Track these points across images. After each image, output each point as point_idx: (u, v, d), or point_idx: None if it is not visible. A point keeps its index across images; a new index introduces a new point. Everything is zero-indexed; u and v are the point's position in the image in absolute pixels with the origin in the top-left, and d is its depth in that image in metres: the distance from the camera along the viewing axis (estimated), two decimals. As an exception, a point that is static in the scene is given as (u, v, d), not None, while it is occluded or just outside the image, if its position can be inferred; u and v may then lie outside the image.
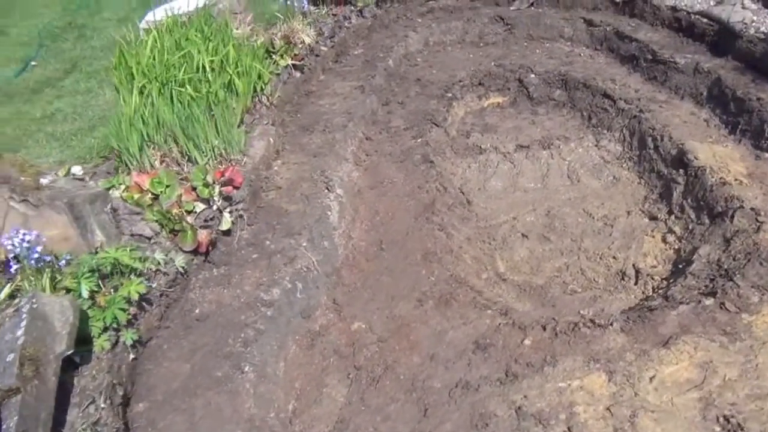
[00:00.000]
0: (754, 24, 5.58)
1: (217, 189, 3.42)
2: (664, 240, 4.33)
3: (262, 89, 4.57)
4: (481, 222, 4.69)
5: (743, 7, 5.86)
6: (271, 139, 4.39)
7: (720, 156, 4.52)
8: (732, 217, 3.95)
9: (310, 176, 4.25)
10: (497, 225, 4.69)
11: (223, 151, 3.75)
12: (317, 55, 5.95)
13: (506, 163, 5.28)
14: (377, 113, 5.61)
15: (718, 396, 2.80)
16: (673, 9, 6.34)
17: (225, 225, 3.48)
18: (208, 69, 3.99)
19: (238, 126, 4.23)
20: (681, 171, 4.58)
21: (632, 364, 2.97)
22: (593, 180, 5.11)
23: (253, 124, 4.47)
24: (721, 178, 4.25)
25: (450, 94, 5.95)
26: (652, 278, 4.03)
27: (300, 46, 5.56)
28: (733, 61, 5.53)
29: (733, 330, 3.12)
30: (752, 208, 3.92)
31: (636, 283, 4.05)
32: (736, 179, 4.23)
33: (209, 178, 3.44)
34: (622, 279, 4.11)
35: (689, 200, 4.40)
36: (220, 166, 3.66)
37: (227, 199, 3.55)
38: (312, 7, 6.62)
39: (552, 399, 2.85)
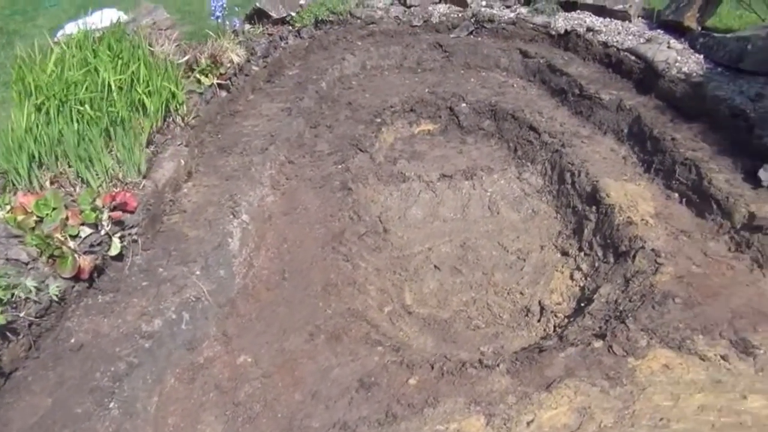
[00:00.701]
0: (677, 64, 5.70)
1: (105, 213, 3.32)
2: (571, 277, 4.35)
3: (176, 109, 4.48)
4: (395, 252, 4.66)
5: (668, 47, 5.99)
6: (182, 161, 4.30)
7: (631, 194, 4.57)
8: (634, 257, 3.99)
9: (218, 200, 4.18)
10: (411, 255, 4.66)
11: (120, 174, 3.65)
12: (247, 75, 5.89)
13: (428, 192, 5.26)
14: (304, 136, 5.56)
15: (591, 443, 2.80)
16: (605, 45, 6.45)
17: (114, 250, 3.38)
18: (114, 87, 3.89)
19: (147, 147, 4.13)
20: (593, 208, 4.62)
21: (512, 408, 2.95)
22: (512, 212, 5.12)
23: (165, 145, 4.37)
24: (628, 217, 4.29)
25: (379, 120, 5.93)
26: (556, 315, 4.04)
27: (228, 65, 5.49)
28: (656, 99, 5.63)
29: (617, 374, 3.12)
30: (653, 249, 3.96)
31: (539, 320, 4.06)
32: (642, 219, 4.27)
33: (98, 202, 3.33)
34: (526, 315, 4.11)
35: (598, 238, 4.44)
36: (114, 189, 3.56)
37: (119, 223, 3.44)
38: (248, 26, 6.55)
39: (427, 442, 2.81)
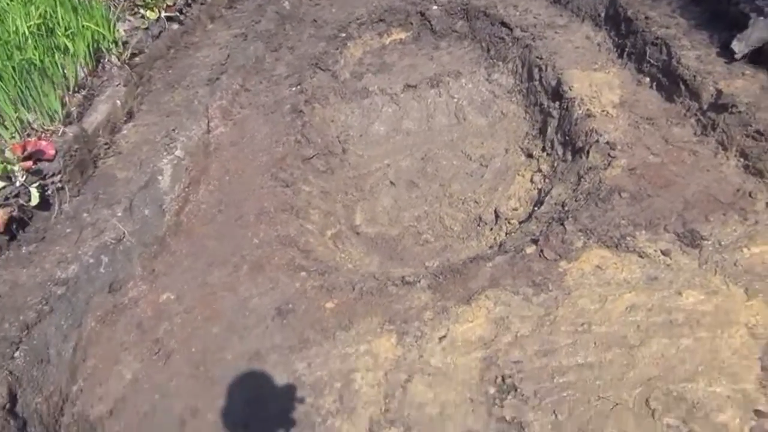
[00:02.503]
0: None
1: (17, 164, 3.28)
2: (531, 180, 4.09)
3: (109, 48, 4.34)
4: (351, 172, 4.49)
5: None
6: (119, 102, 4.20)
7: (597, 84, 4.20)
8: (587, 152, 3.69)
9: (155, 138, 4.09)
10: (368, 174, 4.49)
11: (35, 123, 3.59)
12: (203, 3, 5.67)
13: (392, 105, 5.01)
14: (264, 61, 5.35)
15: (504, 354, 2.65)
16: None
17: (34, 200, 3.35)
18: (27, 33, 3.78)
19: (78, 91, 4.06)
20: (557, 103, 4.29)
21: (427, 324, 2.83)
22: (480, 117, 4.83)
23: (102, 87, 4.28)
24: (587, 110, 3.95)
25: (344, 34, 5.64)
26: (509, 222, 3.83)
27: (179, -5, 5.28)
28: (639, -25, 5.09)
29: (544, 280, 2.93)
30: (608, 142, 3.64)
31: (491, 229, 3.85)
32: (603, 110, 3.93)
33: (8, 153, 3.29)
34: (478, 225, 3.91)
35: (559, 135, 4.13)
36: (29, 139, 3.51)
37: (37, 173, 3.41)
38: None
39: (333, 366, 2.73)
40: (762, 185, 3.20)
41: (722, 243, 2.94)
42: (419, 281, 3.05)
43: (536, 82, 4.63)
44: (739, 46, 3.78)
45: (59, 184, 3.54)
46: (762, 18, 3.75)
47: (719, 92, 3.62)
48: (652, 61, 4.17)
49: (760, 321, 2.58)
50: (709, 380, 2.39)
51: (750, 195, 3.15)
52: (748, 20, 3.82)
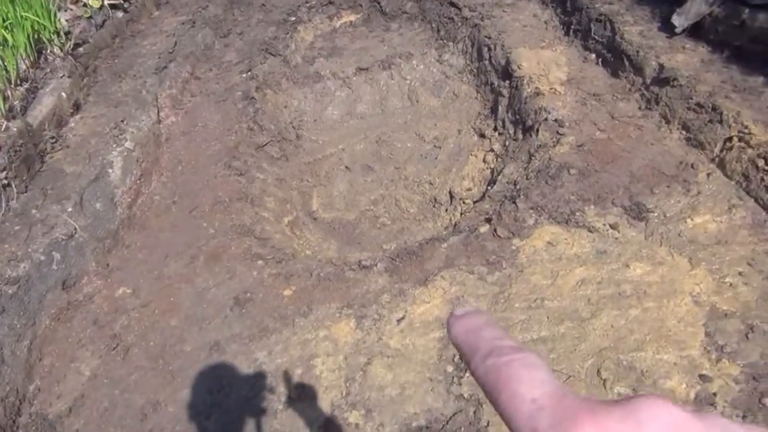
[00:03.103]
0: None
1: (-43, 163, 3.19)
2: (484, 160, 4.15)
3: (50, 39, 4.23)
4: (306, 157, 4.48)
5: None
6: (64, 94, 4.10)
7: (545, 62, 4.27)
8: (537, 130, 3.76)
9: (103, 130, 4.01)
10: (323, 159, 4.48)
11: (-24, 119, 3.49)
12: (147, -10, 5.54)
13: (344, 89, 5.00)
14: (213, 48, 5.28)
15: (461, 333, 2.69)
16: None
17: (-21, 199, 3.28)
18: (-37, 26, 3.67)
19: (20, 84, 3.94)
20: (507, 82, 4.34)
21: (385, 307, 2.87)
22: (432, 99, 4.86)
23: (45, 80, 4.16)
24: (536, 88, 4.02)
25: (294, 18, 5.59)
26: (463, 202, 3.88)
27: (121, -18, 5.15)
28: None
29: (498, 258, 3.00)
30: (556, 120, 3.72)
31: (447, 210, 3.90)
32: (551, 88, 4.00)
33: (-52, 152, 3.20)
34: (434, 206, 3.96)
35: (510, 114, 4.19)
36: (-30, 136, 3.42)
37: (-21, 171, 3.32)
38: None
39: (294, 353, 2.75)
40: (703, 156, 3.32)
41: (667, 214, 3.05)
42: (376, 265, 3.08)
43: (486, 62, 4.68)
44: (679, 21, 3.88)
45: (5, 181, 3.45)
46: (700, -7, 3.85)
47: (661, 66, 3.72)
48: (597, 37, 4.26)
49: (703, 289, 2.69)
50: (656, 348, 2.49)
51: (692, 167, 3.27)
52: (687, -5, 3.93)
